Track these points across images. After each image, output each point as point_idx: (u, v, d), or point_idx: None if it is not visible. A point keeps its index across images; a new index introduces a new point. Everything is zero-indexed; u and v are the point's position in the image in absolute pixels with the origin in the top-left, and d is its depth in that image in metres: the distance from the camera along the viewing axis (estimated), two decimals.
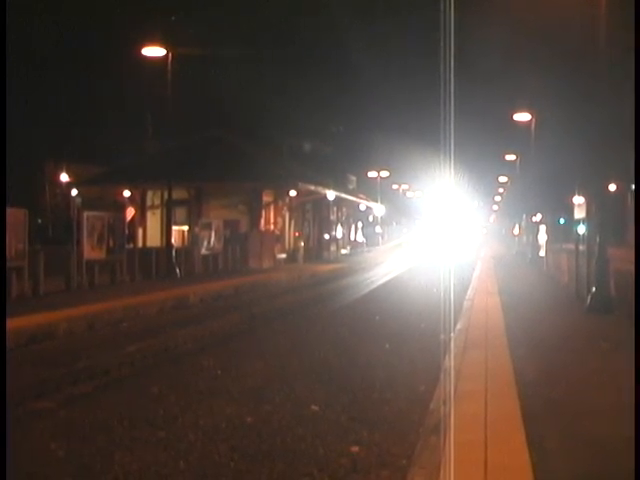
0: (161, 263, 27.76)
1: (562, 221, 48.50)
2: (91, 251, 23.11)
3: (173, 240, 29.68)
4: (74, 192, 44.61)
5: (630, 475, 5.36)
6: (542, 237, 36.85)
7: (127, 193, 40.02)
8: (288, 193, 42.13)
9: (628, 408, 7.13)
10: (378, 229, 76.27)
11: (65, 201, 51.85)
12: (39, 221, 51.18)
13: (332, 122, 63.01)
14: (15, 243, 19.23)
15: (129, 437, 7.50)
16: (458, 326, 13.53)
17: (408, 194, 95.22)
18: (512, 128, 45.60)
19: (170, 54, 27.54)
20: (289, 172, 42.03)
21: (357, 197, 59.70)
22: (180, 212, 37.24)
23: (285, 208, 43.42)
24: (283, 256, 41.18)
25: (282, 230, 42.78)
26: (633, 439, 6.00)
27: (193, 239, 33.73)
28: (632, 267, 14.61)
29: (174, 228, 31.67)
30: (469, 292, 21.11)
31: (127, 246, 27.12)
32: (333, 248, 52.49)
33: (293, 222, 45.61)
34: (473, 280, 26.14)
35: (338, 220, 56.46)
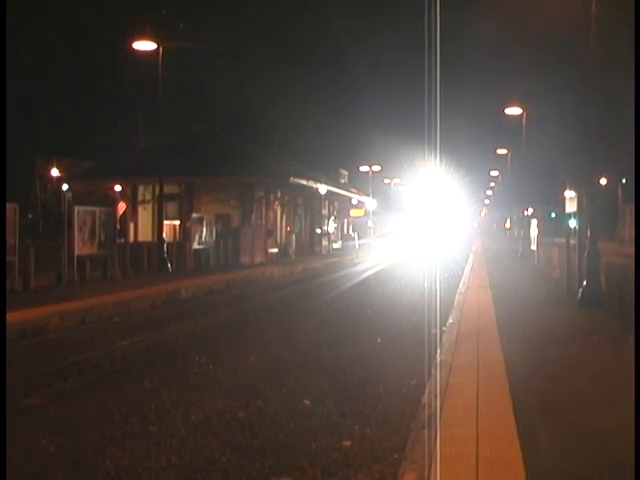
0: (153, 258, 27.69)
1: (553, 215, 48.53)
2: (82, 246, 23.04)
3: (165, 235, 29.60)
4: (65, 187, 44.42)
5: (620, 465, 5.37)
6: (533, 231, 36.84)
7: (118, 188, 39.87)
8: (280, 188, 42.06)
9: (617, 400, 7.15)
10: (370, 223, 76.26)
11: (56, 196, 51.65)
12: (29, 216, 50.93)
13: (324, 117, 63.00)
14: (6, 238, 19.18)
15: (121, 432, 7.48)
16: (450, 320, 13.54)
17: (400, 188, 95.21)
18: (504, 122, 45.65)
19: (161, 48, 27.43)
20: (281, 167, 41.95)
21: (349, 191, 59.68)
22: (171, 207, 37.09)
23: (277, 202, 43.37)
24: (275, 251, 41.14)
25: (274, 225, 42.72)
26: (620, 429, 6.01)
27: (185, 234, 33.65)
28: (623, 261, 14.66)
29: (165, 223, 31.56)
30: (461, 286, 21.13)
31: (118, 241, 27.04)
32: (325, 242, 52.44)
33: (285, 216, 45.56)
34: (465, 274, 26.16)
35: (330, 214, 56.42)
